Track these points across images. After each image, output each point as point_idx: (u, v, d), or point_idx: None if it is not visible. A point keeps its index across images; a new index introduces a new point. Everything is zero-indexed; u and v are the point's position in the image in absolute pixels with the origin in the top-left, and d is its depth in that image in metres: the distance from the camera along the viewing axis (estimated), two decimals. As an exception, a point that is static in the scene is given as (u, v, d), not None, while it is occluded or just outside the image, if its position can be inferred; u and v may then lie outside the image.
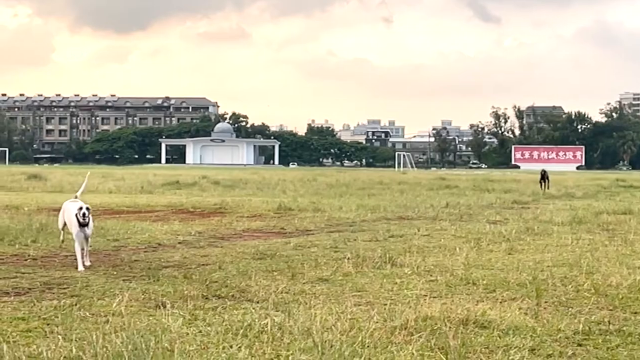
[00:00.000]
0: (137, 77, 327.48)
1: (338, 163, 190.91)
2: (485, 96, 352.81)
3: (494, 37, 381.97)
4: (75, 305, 7.62)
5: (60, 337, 6.11)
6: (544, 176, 38.02)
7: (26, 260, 10.99)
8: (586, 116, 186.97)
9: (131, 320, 6.74)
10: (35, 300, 7.85)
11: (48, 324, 6.78)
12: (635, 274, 9.43)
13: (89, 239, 10.59)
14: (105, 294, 8.25)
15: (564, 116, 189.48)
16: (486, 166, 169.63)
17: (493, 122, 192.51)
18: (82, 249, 10.32)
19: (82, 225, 10.30)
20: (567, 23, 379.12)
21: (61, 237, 11.87)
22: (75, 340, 6.00)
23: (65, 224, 11.22)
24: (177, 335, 6.18)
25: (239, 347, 5.87)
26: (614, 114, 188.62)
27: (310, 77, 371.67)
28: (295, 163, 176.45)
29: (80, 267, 10.00)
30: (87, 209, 10.39)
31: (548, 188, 36.95)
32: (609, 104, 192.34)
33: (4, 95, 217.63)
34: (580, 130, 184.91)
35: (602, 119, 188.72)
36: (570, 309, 7.56)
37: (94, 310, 7.37)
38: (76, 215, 10.34)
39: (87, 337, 5.98)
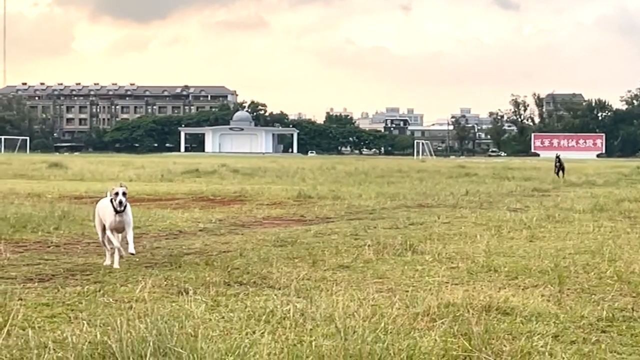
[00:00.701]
0: (156, 66, 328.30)
1: (356, 151, 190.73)
2: (505, 84, 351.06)
3: (513, 24, 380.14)
4: (99, 291, 7.68)
5: (84, 322, 6.15)
6: (559, 162, 36.68)
7: (49, 247, 11.06)
8: (606, 104, 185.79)
9: (154, 306, 6.77)
10: (59, 286, 7.90)
11: (72, 310, 6.83)
12: (658, 261, 9.36)
13: (130, 228, 9.27)
14: (128, 280, 8.30)
15: (584, 104, 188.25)
16: (505, 154, 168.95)
17: (512, 110, 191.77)
18: (116, 244, 9.17)
19: (118, 212, 9.10)
20: (587, 10, 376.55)
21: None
22: (100, 326, 6.04)
23: (103, 226, 9.49)
24: (200, 321, 6.20)
25: (262, 332, 5.89)
26: (634, 101, 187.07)
27: (328, 66, 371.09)
28: (314, 151, 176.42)
29: (116, 264, 9.09)
30: (124, 193, 9.13)
31: (564, 175, 35.97)
32: (629, 91, 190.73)
33: (24, 84, 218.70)
34: (600, 118, 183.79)
35: (623, 106, 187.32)
36: (593, 296, 7.53)
37: (117, 297, 7.41)
38: (111, 200, 9.13)
39: (111, 323, 6.02)
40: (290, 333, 5.91)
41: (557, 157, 37.73)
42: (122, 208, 9.08)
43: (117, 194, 9.06)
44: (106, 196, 9.63)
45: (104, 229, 9.39)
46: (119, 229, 9.21)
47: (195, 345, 5.31)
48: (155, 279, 8.22)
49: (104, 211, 9.28)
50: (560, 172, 36.15)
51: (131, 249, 9.13)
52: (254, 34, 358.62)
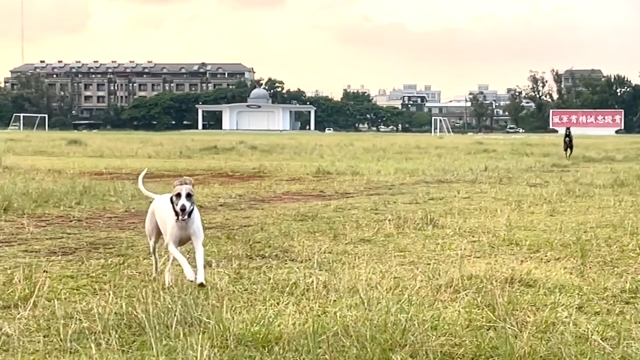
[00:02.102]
0: (173, 43, 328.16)
1: (374, 128, 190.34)
2: (523, 60, 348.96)
3: (531, 0, 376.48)
4: (122, 264, 7.73)
5: (109, 294, 6.20)
6: (569, 137, 33.66)
7: (71, 221, 11.13)
8: (626, 79, 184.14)
9: (178, 279, 6.81)
10: (83, 259, 7.96)
11: (96, 282, 6.88)
12: (681, 234, 9.32)
13: (200, 242, 6.50)
14: (150, 253, 8.32)
15: (602, 80, 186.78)
16: (523, 131, 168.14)
17: (530, 87, 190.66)
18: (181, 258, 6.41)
19: (180, 218, 6.39)
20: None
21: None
22: (125, 297, 6.09)
23: (157, 231, 7.01)
24: (224, 293, 6.24)
25: (286, 304, 5.92)
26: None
27: (345, 42, 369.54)
28: (331, 128, 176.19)
29: (190, 276, 6.22)
30: (189, 195, 6.36)
31: (571, 152, 33.45)
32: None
33: (42, 62, 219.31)
34: (619, 94, 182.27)
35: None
36: (615, 269, 7.51)
37: (141, 269, 7.46)
38: (171, 199, 6.51)
39: (136, 294, 6.07)
40: (314, 304, 5.94)
41: (568, 131, 34.76)
42: (187, 216, 6.38)
43: (178, 195, 6.34)
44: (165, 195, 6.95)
45: (157, 235, 6.99)
46: (182, 240, 6.56)
47: (220, 315, 5.34)
48: (177, 252, 8.24)
49: (162, 214, 6.73)
50: (569, 150, 33.57)
51: (200, 277, 6.14)
52: (271, 10, 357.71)
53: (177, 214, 6.39)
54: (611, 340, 5.07)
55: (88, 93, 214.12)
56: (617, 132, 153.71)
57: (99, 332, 5.17)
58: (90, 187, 15.06)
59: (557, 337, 5.09)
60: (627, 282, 6.76)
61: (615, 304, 6.12)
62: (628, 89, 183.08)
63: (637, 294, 6.47)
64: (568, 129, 35.20)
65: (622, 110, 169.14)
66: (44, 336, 5.17)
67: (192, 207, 6.40)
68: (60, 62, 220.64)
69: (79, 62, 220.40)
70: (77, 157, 31.51)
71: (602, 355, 4.77)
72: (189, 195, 6.35)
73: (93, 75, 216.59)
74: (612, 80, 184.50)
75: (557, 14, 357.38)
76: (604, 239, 9.21)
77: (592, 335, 5.13)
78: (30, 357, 4.83)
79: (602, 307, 6.04)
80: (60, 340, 5.04)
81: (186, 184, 6.46)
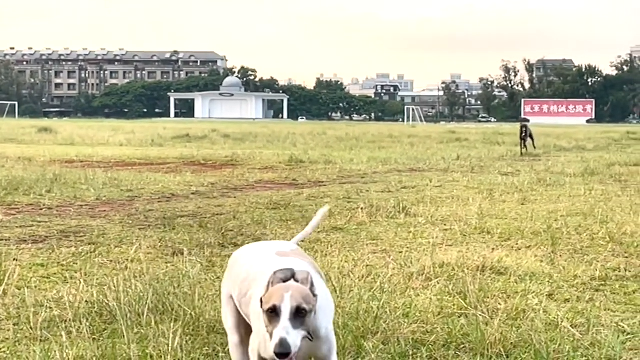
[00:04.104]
0: (145, 30, 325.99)
1: (347, 117, 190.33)
2: (495, 50, 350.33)
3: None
4: (94, 252, 7.68)
5: (81, 282, 6.17)
6: (525, 131, 28.41)
7: (42, 209, 11.04)
8: (597, 69, 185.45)
9: (150, 267, 6.79)
10: (54, 247, 7.90)
11: (67, 270, 6.84)
12: (650, 223, 9.41)
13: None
14: (122, 241, 8.30)
15: (574, 69, 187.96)
16: (495, 120, 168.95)
17: (503, 76, 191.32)
18: None
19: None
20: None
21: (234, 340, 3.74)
22: (96, 285, 6.06)
23: (237, 313, 3.71)
24: (196, 281, 6.22)
25: (258, 292, 5.91)
26: (624, 67, 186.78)
27: (319, 31, 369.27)
28: (304, 117, 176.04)
29: None
30: (299, 312, 3.06)
31: (534, 147, 29.17)
32: (619, 57, 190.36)
33: (12, 48, 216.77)
34: (590, 84, 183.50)
35: (613, 72, 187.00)
36: (586, 257, 7.58)
37: (112, 257, 7.42)
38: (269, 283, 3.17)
39: (107, 282, 6.04)
40: (287, 292, 5.93)
41: (523, 124, 29.86)
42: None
43: (274, 310, 3.08)
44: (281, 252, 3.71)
45: (244, 331, 3.67)
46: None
47: (192, 303, 5.33)
48: (149, 240, 8.23)
49: (246, 292, 3.52)
50: (529, 140, 28.71)
51: None
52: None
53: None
54: (581, 327, 5.13)
55: (59, 80, 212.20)
56: (588, 121, 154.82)
57: (70, 320, 5.15)
58: (61, 175, 14.94)
59: (527, 324, 5.13)
60: (596, 270, 6.83)
61: (585, 292, 6.18)
62: (599, 79, 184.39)
63: (607, 282, 6.54)
64: (524, 122, 29.40)
65: (593, 100, 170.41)
66: (14, 324, 5.14)
67: (300, 344, 3.05)
68: (30, 49, 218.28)
69: (50, 49, 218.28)
70: (48, 145, 31.24)
71: (572, 341, 4.82)
72: (299, 314, 3.08)
73: (64, 63, 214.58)
74: (584, 70, 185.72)
75: (529, 3, 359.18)
76: (574, 228, 9.29)
77: (562, 322, 5.18)
78: (0, 345, 4.79)
79: (572, 294, 6.10)
80: (31, 328, 5.01)
81: (294, 280, 3.17)
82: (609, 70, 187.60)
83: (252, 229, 9.16)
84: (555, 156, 26.37)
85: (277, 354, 2.99)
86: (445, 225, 9.66)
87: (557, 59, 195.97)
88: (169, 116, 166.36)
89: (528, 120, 31.12)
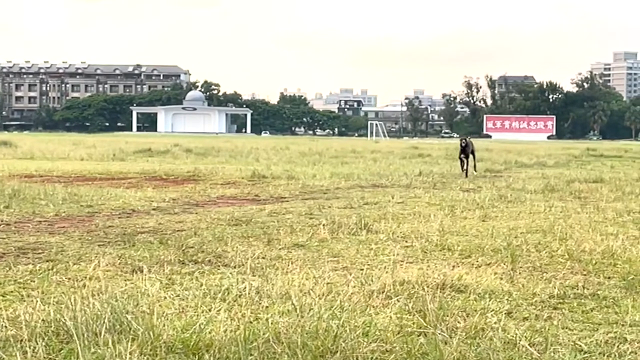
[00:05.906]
0: (107, 43, 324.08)
1: (310, 132, 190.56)
2: (458, 66, 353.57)
3: (467, 6, 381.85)
4: (51, 269, 7.58)
5: (37, 300, 6.08)
6: (465, 149, 23.89)
7: (-1, 225, 10.88)
8: (557, 86, 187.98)
9: (108, 285, 6.71)
10: (10, 264, 7.78)
11: (24, 288, 6.74)
12: (608, 240, 9.52)
13: None
14: (80, 258, 8.20)
15: (535, 86, 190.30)
16: (458, 136, 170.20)
17: (465, 92, 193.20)
18: None
19: None
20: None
21: None
22: (53, 304, 5.97)
23: None
24: (155, 299, 6.16)
25: (218, 310, 5.87)
26: (585, 84, 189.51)
27: (283, 46, 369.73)
28: (268, 132, 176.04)
29: None
30: None
31: (475, 169, 24.95)
32: (580, 74, 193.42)
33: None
34: (551, 100, 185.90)
35: (574, 89, 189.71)
36: (545, 274, 7.63)
37: (70, 275, 7.32)
38: None
39: (64, 301, 5.95)
40: (247, 310, 5.91)
41: (464, 141, 24.46)
42: None
43: None
44: None
45: None
46: None
47: (151, 322, 5.27)
48: (108, 258, 8.13)
49: None
50: (471, 158, 24.47)
51: None
52: (207, 12, 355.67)
53: None
54: (539, 346, 5.16)
55: (19, 94, 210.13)
56: (548, 137, 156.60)
57: (25, 340, 5.06)
58: (19, 190, 14.75)
59: (486, 343, 5.15)
60: (555, 288, 6.88)
61: (543, 310, 6.22)
62: (560, 96, 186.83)
63: (565, 300, 6.59)
64: (464, 139, 24.77)
65: (554, 117, 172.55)
66: (-32, 345, 5.04)
67: None
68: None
69: (10, 62, 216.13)
70: (7, 159, 30.88)
71: (530, 360, 4.84)
72: None
73: (25, 76, 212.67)
74: (545, 86, 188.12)
75: (492, 21, 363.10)
76: (533, 245, 9.36)
77: (520, 340, 5.20)
78: (-47, 366, 4.71)
79: (530, 312, 6.14)
80: (-15, 348, 4.92)
81: None
82: (569, 87, 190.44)
83: (213, 246, 9.10)
84: (516, 172, 26.59)
85: None
86: (406, 242, 9.68)
87: (518, 75, 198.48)
88: (131, 130, 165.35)
89: (468, 135, 25.25)
